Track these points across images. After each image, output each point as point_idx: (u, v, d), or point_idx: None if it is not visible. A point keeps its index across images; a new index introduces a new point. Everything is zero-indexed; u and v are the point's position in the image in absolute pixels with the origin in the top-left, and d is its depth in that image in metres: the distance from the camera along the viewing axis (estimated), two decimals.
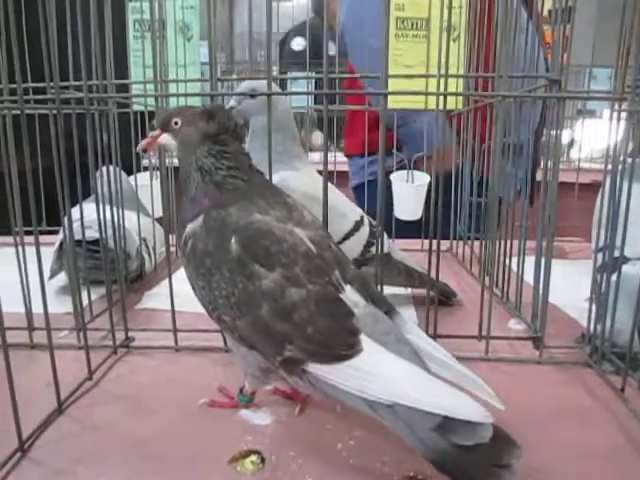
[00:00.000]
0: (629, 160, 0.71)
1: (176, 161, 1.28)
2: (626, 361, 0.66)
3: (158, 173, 1.20)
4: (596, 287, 0.75)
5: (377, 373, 0.47)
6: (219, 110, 0.61)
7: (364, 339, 0.49)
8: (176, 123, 0.59)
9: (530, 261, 0.82)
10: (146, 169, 1.27)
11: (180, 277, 0.63)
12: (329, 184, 0.71)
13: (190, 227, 0.56)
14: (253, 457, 0.53)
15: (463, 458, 0.43)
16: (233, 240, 0.53)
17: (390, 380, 0.46)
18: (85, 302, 0.81)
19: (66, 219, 0.71)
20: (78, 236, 0.83)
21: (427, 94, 0.75)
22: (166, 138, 0.61)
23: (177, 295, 0.75)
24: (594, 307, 0.75)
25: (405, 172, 1.25)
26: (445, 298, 0.96)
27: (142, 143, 0.63)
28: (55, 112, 0.66)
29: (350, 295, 0.53)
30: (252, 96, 0.81)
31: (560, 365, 0.74)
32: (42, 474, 0.51)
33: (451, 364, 0.53)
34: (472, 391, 0.49)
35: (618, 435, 0.58)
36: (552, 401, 0.66)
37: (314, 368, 0.49)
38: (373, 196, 1.10)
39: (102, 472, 0.51)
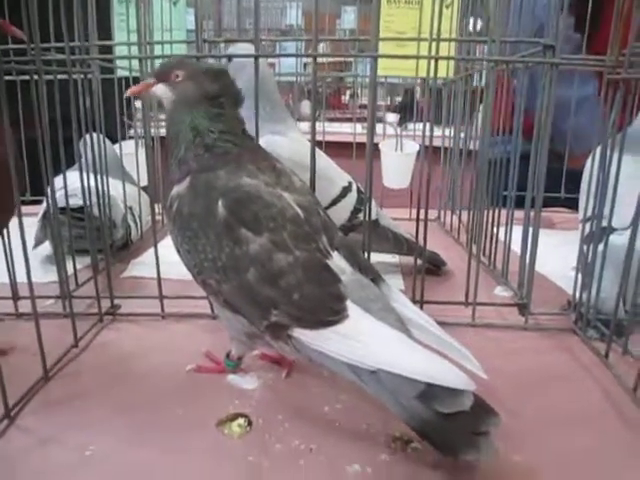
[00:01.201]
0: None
1: (163, 131, 1.28)
2: (611, 328, 0.66)
3: (143, 141, 1.18)
4: (582, 256, 0.76)
5: (362, 340, 0.47)
6: (223, 72, 0.59)
7: (350, 306, 0.49)
8: (177, 76, 0.57)
9: (518, 230, 0.82)
10: (131, 138, 1.25)
11: (166, 245, 0.63)
12: (317, 150, 0.70)
13: (176, 189, 0.55)
14: (240, 420, 0.53)
15: (444, 425, 0.44)
16: (220, 203, 0.52)
17: (374, 347, 0.46)
18: (70, 271, 0.80)
19: (49, 187, 0.70)
20: (62, 203, 0.81)
21: (418, 57, 0.74)
22: (162, 89, 0.58)
23: (163, 262, 0.74)
24: (580, 276, 0.75)
25: (394, 141, 1.24)
26: (434, 267, 0.96)
27: (133, 88, 0.60)
28: (36, 75, 0.64)
29: (337, 262, 0.53)
30: (229, 59, 0.79)
31: (545, 331, 0.75)
32: (30, 441, 0.51)
33: (436, 332, 0.53)
34: (456, 359, 0.50)
35: (602, 400, 0.59)
36: (537, 366, 0.66)
37: (299, 333, 0.49)
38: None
39: (91, 438, 0.51)
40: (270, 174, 0.56)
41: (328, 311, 0.49)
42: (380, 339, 0.47)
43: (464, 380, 0.44)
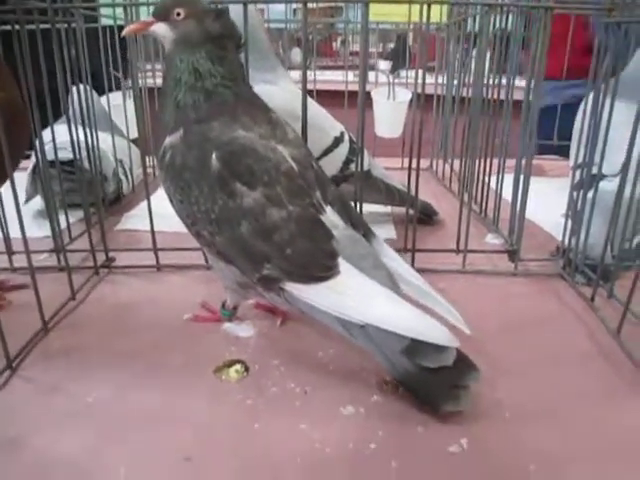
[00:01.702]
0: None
1: (150, 81, 1.25)
2: (597, 273, 0.68)
3: (131, 93, 1.16)
4: (572, 203, 0.76)
5: (352, 295, 0.48)
6: (225, 11, 0.56)
7: (341, 262, 0.50)
8: (179, 14, 0.54)
9: (509, 179, 0.82)
10: (118, 89, 1.23)
11: (159, 197, 0.63)
12: (309, 98, 0.69)
13: (169, 139, 0.54)
14: (237, 366, 0.55)
15: (426, 378, 0.46)
16: (214, 156, 0.51)
17: (364, 302, 0.48)
18: (63, 225, 0.80)
19: (37, 140, 0.69)
20: (51, 157, 0.81)
21: (410, 2, 0.72)
22: (163, 28, 0.55)
23: (157, 215, 0.74)
24: (570, 222, 0.76)
25: (387, 89, 1.22)
26: (426, 217, 0.96)
27: (130, 27, 0.57)
28: (17, 25, 0.63)
29: (330, 216, 0.53)
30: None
31: (534, 277, 0.77)
32: (33, 390, 0.52)
33: (423, 288, 0.54)
34: (441, 314, 0.51)
35: (586, 341, 0.61)
36: (524, 310, 0.68)
37: (291, 287, 0.50)
38: (565, 120, 1.06)
39: (92, 387, 0.52)
40: (265, 126, 0.55)
41: (320, 267, 0.49)
42: (369, 295, 0.48)
43: (448, 337, 0.46)
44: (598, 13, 0.68)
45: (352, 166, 0.86)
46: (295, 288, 0.50)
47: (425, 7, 0.68)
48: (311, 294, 0.49)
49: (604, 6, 0.67)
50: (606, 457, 0.44)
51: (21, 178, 0.75)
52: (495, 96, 0.92)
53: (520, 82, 0.97)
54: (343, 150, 0.87)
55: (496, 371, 0.54)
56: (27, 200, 0.95)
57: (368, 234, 0.57)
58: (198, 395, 0.51)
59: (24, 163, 1.00)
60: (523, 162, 0.78)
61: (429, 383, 0.46)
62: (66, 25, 0.75)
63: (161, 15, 0.55)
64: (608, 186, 0.73)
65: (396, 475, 0.41)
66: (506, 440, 0.45)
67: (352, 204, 0.64)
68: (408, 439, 0.45)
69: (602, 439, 0.46)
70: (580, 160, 0.74)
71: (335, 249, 0.50)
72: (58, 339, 0.61)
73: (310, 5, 0.68)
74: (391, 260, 0.56)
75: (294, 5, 1.67)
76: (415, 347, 0.46)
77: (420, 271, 0.74)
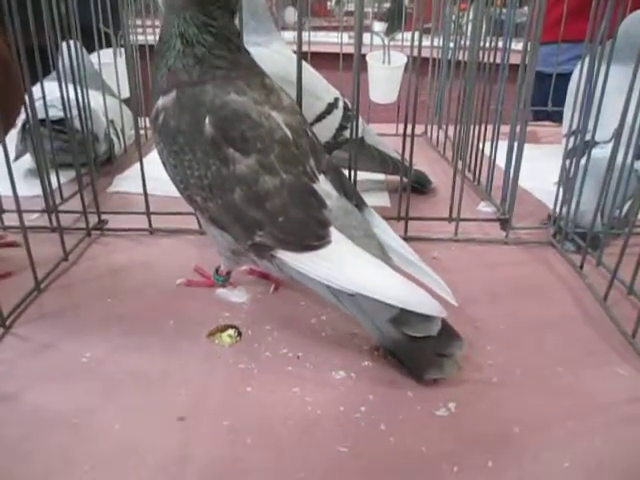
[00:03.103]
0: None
1: (141, 37, 1.22)
2: (587, 240, 0.69)
3: (123, 50, 1.14)
4: (565, 171, 0.77)
5: (343, 264, 0.48)
6: None
7: (333, 231, 0.50)
8: None
9: (503, 145, 0.82)
10: (109, 46, 1.20)
11: (151, 160, 0.62)
12: (303, 62, 0.68)
13: (162, 100, 0.53)
14: (230, 331, 0.55)
15: (412, 347, 0.47)
16: (207, 120, 0.51)
17: (354, 272, 0.48)
18: (55, 185, 0.79)
19: (27, 97, 0.68)
20: (41, 115, 0.79)
21: None
22: None
23: (149, 178, 0.74)
24: (561, 190, 0.77)
25: (381, 52, 1.20)
26: (419, 186, 0.96)
27: None
28: None
29: (323, 185, 0.53)
30: None
31: (525, 245, 0.78)
32: (27, 348, 0.53)
33: (413, 260, 0.54)
34: (430, 286, 0.52)
35: (573, 307, 0.62)
36: (513, 277, 0.69)
37: (283, 255, 0.50)
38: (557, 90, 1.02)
39: (86, 346, 0.53)
40: (260, 91, 0.54)
41: (312, 236, 0.49)
42: (360, 265, 0.49)
43: (436, 307, 0.47)
44: None
45: (345, 133, 0.85)
46: (287, 256, 0.50)
47: None
48: (302, 262, 0.49)
49: None
50: (588, 420, 0.45)
51: (10, 135, 0.74)
52: (491, 60, 0.91)
53: (516, 45, 0.96)
54: (337, 117, 0.87)
55: (485, 338, 0.55)
56: (17, 158, 0.95)
57: (360, 204, 0.57)
58: (191, 358, 0.51)
59: None
60: (517, 129, 0.78)
61: (414, 351, 0.48)
62: None
63: None
64: (600, 153, 0.74)
65: (384, 437, 0.42)
66: (492, 404, 0.46)
67: (345, 173, 0.64)
68: (397, 403, 0.46)
69: (585, 403, 0.47)
70: (574, 127, 0.74)
71: (327, 218, 0.50)
72: (51, 299, 0.61)
73: None
74: (382, 231, 0.56)
75: None
76: (402, 317, 0.47)
77: (413, 239, 0.76)
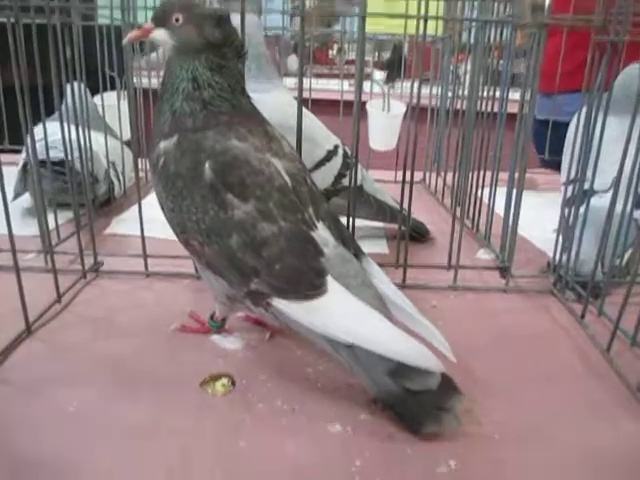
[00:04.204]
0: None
1: (145, 81, 1.25)
2: (587, 289, 0.68)
3: (125, 93, 1.15)
4: (564, 219, 0.77)
5: (339, 315, 0.48)
6: (227, 17, 0.54)
7: (330, 281, 0.49)
8: (177, 19, 0.52)
9: (501, 193, 0.82)
10: (113, 89, 1.22)
11: (150, 203, 0.62)
12: (304, 110, 0.69)
13: (164, 144, 0.53)
14: (224, 380, 0.54)
15: (410, 401, 0.46)
16: (207, 165, 0.51)
17: (351, 323, 0.47)
18: (52, 225, 0.79)
19: (29, 138, 0.68)
20: (42, 156, 0.80)
21: (407, 17, 0.72)
22: (162, 34, 0.53)
23: (147, 220, 0.73)
24: (561, 238, 0.76)
25: (381, 101, 1.22)
26: (418, 235, 0.95)
27: (131, 35, 0.55)
28: (13, 21, 0.62)
29: (321, 233, 0.53)
30: None
31: (525, 293, 0.77)
32: (13, 394, 0.51)
33: (411, 312, 0.53)
34: (428, 339, 0.51)
35: (576, 359, 0.61)
36: (514, 326, 0.68)
37: (279, 303, 0.49)
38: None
39: (74, 393, 0.51)
40: (261, 138, 0.54)
41: (308, 285, 0.49)
42: (357, 315, 0.48)
43: (434, 362, 0.46)
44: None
45: (344, 180, 0.86)
46: (283, 304, 0.49)
47: (421, 22, 0.67)
48: (298, 311, 0.49)
49: (598, 24, 0.67)
50: (596, 478, 0.43)
51: (9, 173, 0.74)
52: (489, 109, 0.92)
53: (514, 95, 0.97)
54: (336, 164, 0.87)
55: (485, 390, 0.53)
56: (15, 197, 0.94)
57: (358, 253, 0.56)
58: (183, 408, 0.50)
59: (14, 158, 0.99)
60: (516, 175, 0.78)
61: (413, 405, 0.46)
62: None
63: (160, 20, 0.53)
64: (598, 202, 0.74)
65: None
66: (494, 462, 0.45)
67: (343, 220, 0.64)
68: (395, 459, 0.45)
69: (591, 460, 0.45)
70: (572, 175, 0.74)
71: (324, 267, 0.50)
72: (41, 342, 0.60)
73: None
74: (380, 281, 0.55)
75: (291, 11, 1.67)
76: (400, 369, 0.46)
77: (412, 287, 0.75)
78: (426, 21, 0.67)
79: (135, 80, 1.15)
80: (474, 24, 0.92)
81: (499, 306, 0.73)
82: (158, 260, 0.77)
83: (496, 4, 0.82)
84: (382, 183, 0.99)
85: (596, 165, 0.69)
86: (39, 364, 0.56)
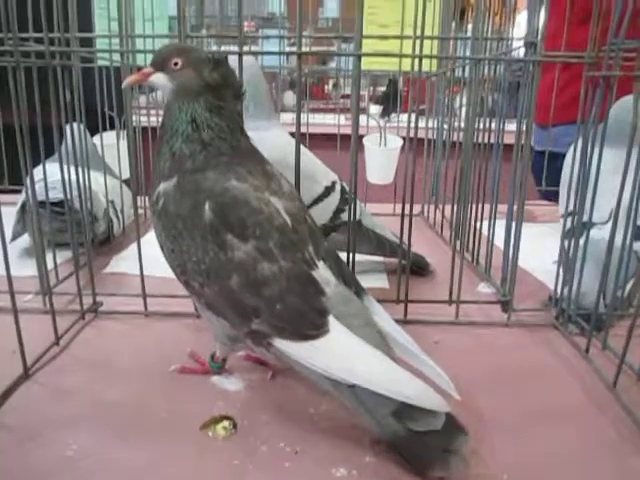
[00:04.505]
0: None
1: (144, 119, 1.26)
2: (591, 323, 0.67)
3: (125, 133, 1.17)
4: (563, 252, 0.76)
5: (341, 355, 0.47)
6: (224, 60, 0.56)
7: (332, 320, 0.49)
8: (176, 64, 0.53)
9: (500, 224, 0.82)
10: (112, 128, 1.23)
11: (150, 241, 0.62)
12: (301, 147, 0.69)
13: (163, 185, 0.54)
14: (225, 423, 0.53)
15: (416, 442, 0.45)
16: (207, 206, 0.51)
17: (353, 363, 0.47)
18: (50, 265, 0.79)
19: (28, 179, 0.68)
20: (41, 197, 0.80)
21: (402, 56, 0.74)
22: (161, 78, 0.54)
23: (147, 259, 0.73)
24: (561, 271, 0.76)
25: (377, 135, 1.24)
26: (418, 268, 0.95)
27: (130, 78, 0.56)
28: (14, 65, 0.63)
29: (322, 272, 0.52)
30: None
31: (527, 327, 0.76)
32: (9, 439, 0.50)
33: (414, 351, 0.53)
34: (431, 378, 0.50)
35: (582, 395, 0.60)
36: (518, 362, 0.67)
37: (280, 343, 0.49)
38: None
39: (72, 438, 0.50)
40: (260, 178, 0.54)
41: (309, 325, 0.48)
42: (359, 355, 0.47)
43: (438, 402, 0.45)
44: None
45: (343, 216, 0.86)
46: (284, 345, 0.49)
47: (416, 60, 0.69)
48: (300, 352, 0.48)
49: (590, 60, 0.68)
50: None
51: (8, 214, 0.74)
52: (485, 141, 0.93)
53: (510, 126, 0.98)
54: (334, 200, 0.87)
55: (491, 429, 0.52)
56: (14, 238, 0.94)
57: (360, 292, 0.56)
58: (184, 453, 0.49)
59: (13, 198, 0.99)
60: (514, 208, 0.78)
61: (418, 447, 0.45)
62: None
63: (159, 65, 0.54)
64: (598, 234, 0.74)
65: None
66: None
67: (343, 256, 0.64)
68: None
69: None
70: (570, 208, 0.74)
71: (325, 307, 0.49)
72: (39, 386, 0.59)
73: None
74: (381, 319, 0.55)
75: (287, 48, 1.71)
76: (404, 410, 0.45)
77: (413, 322, 0.74)
78: (421, 60, 0.69)
79: (134, 119, 1.17)
80: (468, 62, 0.94)
81: (502, 341, 0.72)
82: (158, 299, 0.77)
83: (489, 42, 0.84)
84: (380, 216, 0.99)
85: (594, 198, 0.70)
86: (37, 408, 0.55)
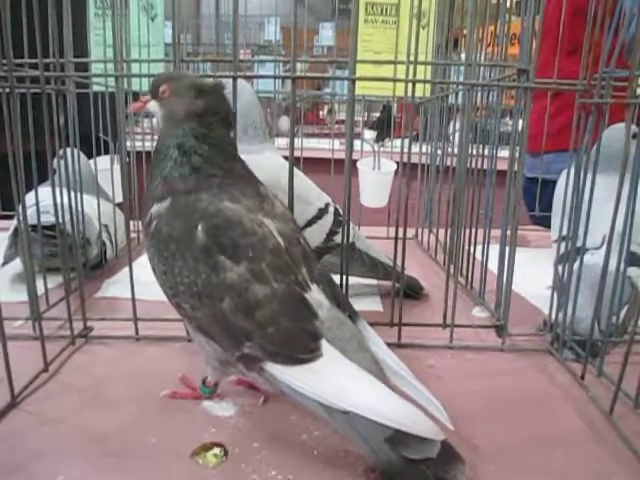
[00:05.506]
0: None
1: (139, 144, 1.27)
2: (586, 349, 0.67)
3: (119, 157, 1.17)
4: (557, 277, 0.76)
5: (334, 380, 0.47)
6: (211, 88, 0.56)
7: (325, 344, 0.48)
8: (164, 92, 0.55)
9: (494, 249, 0.83)
10: (106, 153, 1.23)
11: (142, 264, 0.61)
12: (295, 170, 0.70)
13: (156, 207, 0.54)
14: (216, 450, 0.52)
15: (410, 470, 0.44)
16: (200, 228, 0.50)
17: (346, 388, 0.46)
18: (41, 290, 0.78)
19: (20, 205, 0.68)
20: (33, 221, 0.79)
21: (395, 80, 0.74)
22: (154, 105, 0.57)
23: (138, 282, 0.72)
24: (555, 296, 0.76)
25: (371, 159, 1.25)
26: (412, 292, 0.95)
27: (134, 105, 0.60)
28: (8, 91, 0.63)
29: (315, 295, 0.52)
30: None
31: (522, 352, 0.76)
32: None
33: (407, 377, 0.52)
34: (424, 405, 0.49)
35: (578, 422, 0.59)
36: (512, 388, 0.66)
37: (272, 368, 0.48)
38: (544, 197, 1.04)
39: (59, 468, 0.49)
40: (254, 199, 0.54)
41: (302, 348, 0.48)
42: (352, 381, 0.47)
43: (433, 429, 0.44)
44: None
45: (336, 238, 0.86)
46: (276, 369, 0.48)
47: (410, 85, 0.69)
48: (292, 376, 0.47)
49: (582, 87, 0.69)
50: None
51: (1, 239, 0.73)
52: (479, 166, 0.94)
53: (503, 152, 0.99)
54: (327, 222, 0.87)
55: (486, 457, 0.51)
56: (5, 263, 0.93)
57: (353, 315, 0.56)
58: None
59: (5, 224, 0.99)
60: (508, 233, 0.78)
61: (413, 475, 0.44)
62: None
63: (152, 92, 0.56)
64: (591, 259, 0.74)
65: None
66: None
67: (336, 278, 0.63)
68: None
69: None
70: (563, 233, 0.75)
71: (319, 330, 0.49)
72: (26, 414, 0.58)
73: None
74: (375, 344, 0.54)
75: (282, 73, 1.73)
76: (399, 437, 0.44)
77: (407, 346, 0.74)
78: (414, 85, 0.69)
79: (128, 143, 1.17)
80: (461, 88, 0.95)
81: (497, 366, 0.72)
82: (149, 323, 0.76)
83: (482, 68, 0.85)
84: (374, 240, 0.99)
85: (587, 224, 0.70)
86: (24, 437, 0.54)
